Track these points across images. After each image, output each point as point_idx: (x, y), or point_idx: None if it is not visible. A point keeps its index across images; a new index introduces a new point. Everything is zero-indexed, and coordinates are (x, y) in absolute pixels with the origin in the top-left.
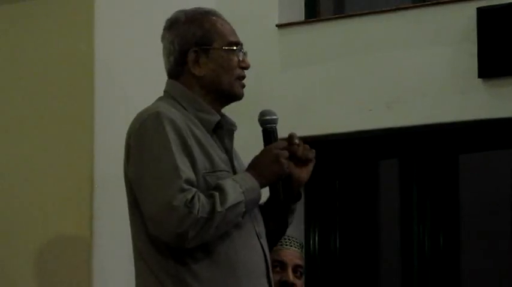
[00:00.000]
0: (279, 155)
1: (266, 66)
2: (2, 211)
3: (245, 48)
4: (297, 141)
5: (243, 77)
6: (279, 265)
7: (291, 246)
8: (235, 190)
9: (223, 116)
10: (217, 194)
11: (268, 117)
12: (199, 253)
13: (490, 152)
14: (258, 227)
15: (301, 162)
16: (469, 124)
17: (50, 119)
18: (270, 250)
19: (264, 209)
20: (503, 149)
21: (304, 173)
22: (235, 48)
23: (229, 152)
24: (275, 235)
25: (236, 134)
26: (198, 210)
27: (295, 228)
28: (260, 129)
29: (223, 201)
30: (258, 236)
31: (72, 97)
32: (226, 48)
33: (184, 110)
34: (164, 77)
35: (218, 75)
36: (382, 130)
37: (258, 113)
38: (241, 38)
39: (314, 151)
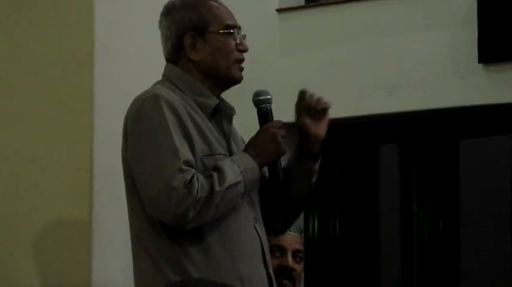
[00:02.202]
0: (276, 134)
1: (266, 50)
2: (2, 198)
3: (243, 31)
4: (309, 94)
5: (242, 60)
6: (278, 249)
7: (291, 231)
8: (233, 170)
9: (222, 100)
10: (215, 174)
11: (262, 98)
12: (196, 236)
13: (490, 138)
14: (255, 212)
15: (317, 115)
16: (469, 109)
17: (50, 104)
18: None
19: (264, 191)
20: (503, 135)
21: (320, 129)
22: (232, 31)
23: (227, 136)
24: (297, 202)
25: (236, 119)
26: (197, 190)
27: None
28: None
29: (221, 181)
30: (253, 221)
31: (71, 85)
32: (222, 31)
33: (183, 94)
34: (164, 64)
35: (215, 59)
36: (382, 115)
37: None
38: (241, 22)
39: (328, 103)
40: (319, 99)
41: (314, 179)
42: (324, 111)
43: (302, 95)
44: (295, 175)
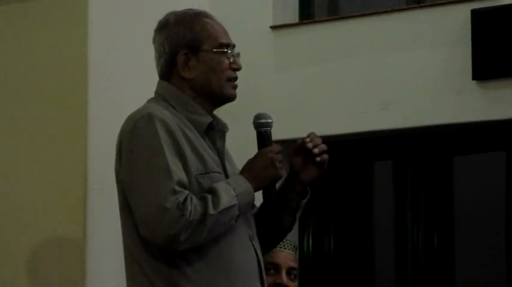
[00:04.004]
0: (274, 159)
1: (260, 67)
2: None
3: (238, 49)
4: (318, 141)
5: (235, 79)
6: (273, 267)
7: (285, 248)
8: (228, 193)
9: (214, 117)
10: (210, 196)
11: (263, 121)
12: (192, 255)
13: (484, 154)
14: (251, 230)
15: (312, 162)
16: (463, 126)
17: (43, 119)
18: (268, 251)
19: (258, 214)
20: (498, 151)
21: (305, 175)
22: (226, 50)
23: (221, 153)
24: (276, 235)
25: (230, 136)
26: (191, 212)
27: None
28: (254, 130)
29: (216, 204)
30: (250, 238)
31: (65, 98)
32: (216, 50)
33: (176, 111)
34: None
35: (208, 77)
36: (377, 132)
37: (251, 115)
38: (235, 39)
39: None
40: (321, 149)
41: (299, 213)
42: (318, 163)
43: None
44: (282, 205)
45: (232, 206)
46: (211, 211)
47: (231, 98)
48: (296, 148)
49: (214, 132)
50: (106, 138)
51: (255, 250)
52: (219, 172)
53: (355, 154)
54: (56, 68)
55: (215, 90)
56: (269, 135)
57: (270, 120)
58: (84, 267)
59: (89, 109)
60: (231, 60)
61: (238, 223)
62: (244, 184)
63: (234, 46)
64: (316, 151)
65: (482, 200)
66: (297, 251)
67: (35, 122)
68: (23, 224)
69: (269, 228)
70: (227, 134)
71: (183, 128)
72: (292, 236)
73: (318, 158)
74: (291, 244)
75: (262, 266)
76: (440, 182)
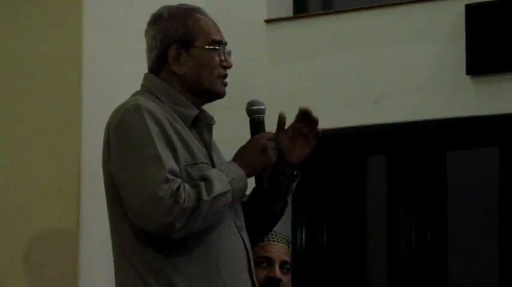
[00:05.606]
0: (266, 145)
1: (254, 61)
2: None
3: (232, 42)
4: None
5: (225, 76)
6: (266, 261)
7: (278, 242)
8: (221, 179)
9: (202, 111)
10: (203, 183)
11: (256, 107)
12: (181, 247)
13: (477, 149)
14: (239, 221)
15: (301, 139)
16: (456, 121)
17: (36, 115)
18: (261, 239)
19: (250, 201)
20: (491, 146)
21: (293, 156)
22: (217, 47)
23: (208, 145)
24: (268, 221)
25: (225, 129)
26: (184, 199)
27: (283, 224)
28: (249, 124)
29: (209, 190)
30: (238, 229)
31: (59, 93)
32: (208, 47)
33: (163, 104)
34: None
35: (198, 73)
36: (370, 126)
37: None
38: (230, 33)
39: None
40: (314, 125)
41: (289, 197)
42: (307, 141)
43: (303, 114)
44: (273, 190)
45: (225, 192)
46: (205, 197)
47: (221, 95)
48: (280, 123)
49: (201, 125)
50: (100, 133)
51: (243, 240)
52: (206, 163)
53: (349, 148)
54: (49, 62)
55: (205, 87)
56: (262, 122)
57: (262, 107)
58: (77, 260)
59: (83, 104)
60: (222, 58)
61: (227, 214)
62: (237, 171)
63: (225, 44)
64: (314, 117)
65: (476, 195)
66: (290, 245)
67: (28, 117)
68: (17, 217)
69: (261, 215)
70: (222, 128)
71: (170, 120)
72: (285, 230)
73: (312, 135)
74: (284, 238)
75: (251, 257)
76: (433, 176)
